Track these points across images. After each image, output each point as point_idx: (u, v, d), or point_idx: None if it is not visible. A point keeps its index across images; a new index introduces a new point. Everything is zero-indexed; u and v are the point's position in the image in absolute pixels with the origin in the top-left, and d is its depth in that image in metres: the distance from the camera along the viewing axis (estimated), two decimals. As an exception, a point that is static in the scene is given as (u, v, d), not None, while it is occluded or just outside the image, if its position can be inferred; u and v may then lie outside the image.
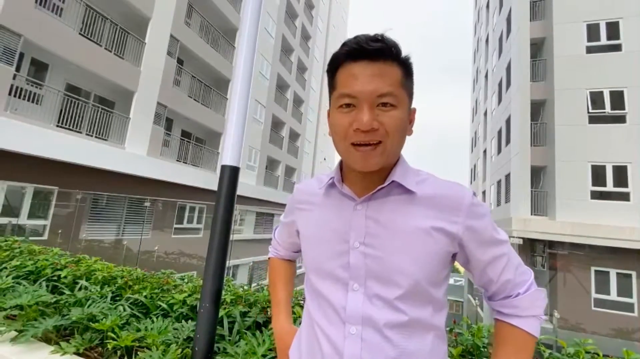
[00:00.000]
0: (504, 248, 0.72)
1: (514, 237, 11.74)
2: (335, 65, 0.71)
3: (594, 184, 11.36)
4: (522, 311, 0.71)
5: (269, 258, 1.06)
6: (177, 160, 13.22)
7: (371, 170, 0.69)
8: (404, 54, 0.68)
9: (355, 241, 0.71)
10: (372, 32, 0.69)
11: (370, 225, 0.71)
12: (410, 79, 0.71)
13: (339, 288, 0.71)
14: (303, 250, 0.83)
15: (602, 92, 11.77)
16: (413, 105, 0.74)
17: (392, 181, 0.71)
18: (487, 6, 22.88)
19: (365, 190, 0.73)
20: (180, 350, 1.37)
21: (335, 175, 0.78)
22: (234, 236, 14.87)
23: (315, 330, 0.74)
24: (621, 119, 11.47)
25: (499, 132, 17.06)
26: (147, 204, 11.45)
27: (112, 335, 1.45)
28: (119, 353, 1.45)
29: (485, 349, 1.38)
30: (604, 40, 12.15)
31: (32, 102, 8.39)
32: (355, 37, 0.68)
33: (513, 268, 0.72)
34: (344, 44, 0.68)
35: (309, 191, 0.85)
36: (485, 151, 21.31)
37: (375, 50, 0.65)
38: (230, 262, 14.27)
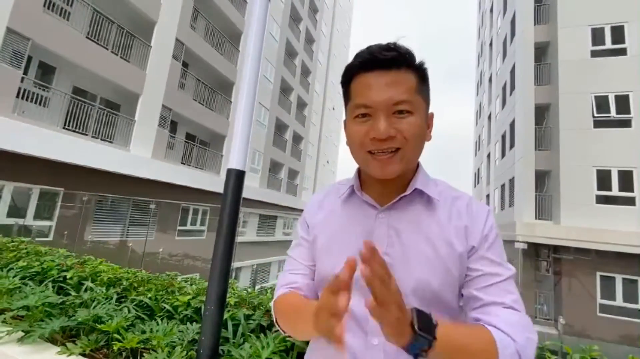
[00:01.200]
0: (504, 274, 0.67)
1: (518, 242, 11.65)
2: (349, 77, 0.71)
3: (599, 189, 11.27)
4: (501, 323, 0.60)
5: (274, 302, 0.80)
6: (182, 163, 13.29)
7: (391, 177, 0.68)
8: (418, 59, 0.69)
9: None
10: (384, 41, 0.70)
11: (392, 235, 0.70)
12: (426, 85, 0.71)
13: (359, 297, 0.68)
14: (320, 260, 0.78)
15: (607, 96, 11.70)
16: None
17: (415, 189, 0.71)
18: (491, 10, 22.89)
19: (385, 197, 0.73)
20: (185, 352, 1.38)
21: (355, 183, 0.77)
22: (237, 239, 14.88)
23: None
24: (627, 123, 11.39)
25: (503, 136, 16.99)
26: (152, 206, 11.51)
27: (118, 337, 1.46)
28: (124, 354, 1.46)
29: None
30: (608, 44, 12.11)
31: (39, 104, 8.49)
32: (368, 48, 0.68)
33: (507, 294, 0.65)
34: (357, 55, 0.69)
35: (323, 202, 0.84)
36: (489, 155, 21.23)
37: (389, 59, 0.65)
38: (233, 265, 14.28)
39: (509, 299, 0.64)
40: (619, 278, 10.71)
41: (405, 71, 0.66)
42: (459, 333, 0.58)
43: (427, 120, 0.72)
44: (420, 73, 0.69)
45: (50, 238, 8.72)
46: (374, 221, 0.72)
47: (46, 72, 9.08)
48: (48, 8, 8.25)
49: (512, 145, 15.05)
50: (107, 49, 9.75)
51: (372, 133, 0.65)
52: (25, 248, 2.82)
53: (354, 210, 0.77)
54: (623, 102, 11.50)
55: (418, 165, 0.75)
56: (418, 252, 0.67)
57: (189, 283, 2.27)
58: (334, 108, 34.43)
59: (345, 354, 0.68)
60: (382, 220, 0.72)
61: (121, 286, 2.05)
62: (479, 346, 0.57)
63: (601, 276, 10.94)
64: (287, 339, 1.41)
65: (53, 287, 2.08)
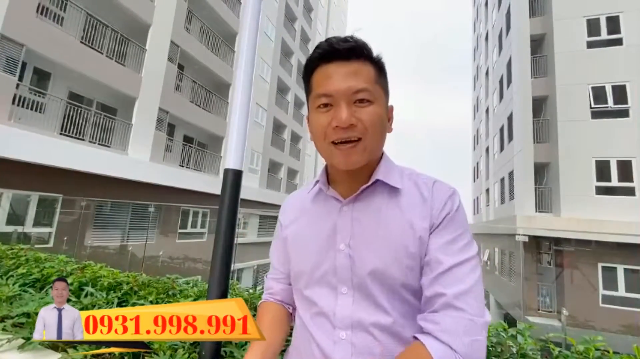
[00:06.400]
0: (450, 261, 0.63)
1: (519, 235, 11.66)
2: (310, 69, 0.72)
3: (598, 180, 11.27)
4: (439, 332, 0.58)
5: (258, 306, 0.89)
6: (180, 165, 13.27)
7: (354, 167, 0.69)
8: (376, 53, 0.70)
9: (340, 243, 0.70)
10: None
11: (356, 226, 0.70)
12: (384, 77, 0.72)
13: (328, 292, 0.70)
14: (291, 259, 0.80)
15: (604, 87, 11.70)
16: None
17: (377, 179, 0.71)
18: (486, 3, 22.86)
19: (351, 190, 0.73)
20: (187, 355, 1.37)
21: (321, 178, 0.78)
22: (237, 240, 14.88)
23: (308, 340, 0.72)
24: (624, 113, 11.39)
25: (501, 130, 17.00)
26: (151, 209, 11.49)
27: (119, 341, 1.45)
28: (126, 358, 1.46)
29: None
30: (604, 35, 12.10)
31: (36, 110, 8.46)
32: (327, 40, 0.70)
33: (452, 285, 0.61)
34: (317, 47, 0.70)
35: (296, 200, 0.86)
36: (487, 149, 21.23)
37: (347, 49, 0.67)
38: (234, 266, 14.31)
39: (453, 291, 0.60)
40: (620, 269, 10.72)
41: (364, 62, 0.68)
42: None
43: (388, 112, 0.73)
44: (378, 66, 0.71)
45: (50, 245, 8.71)
46: (337, 215, 0.73)
47: (41, 77, 9.05)
48: (41, 14, 8.21)
49: (510, 139, 15.06)
50: (102, 53, 9.71)
51: (334, 122, 0.66)
52: (25, 255, 2.80)
53: (320, 205, 0.78)
54: (620, 92, 11.50)
55: (382, 155, 0.76)
56: (377, 241, 0.67)
57: (190, 285, 2.26)
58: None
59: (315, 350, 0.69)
60: (345, 212, 0.73)
61: (122, 291, 2.04)
62: None
63: (603, 266, 10.95)
64: (289, 339, 1.40)
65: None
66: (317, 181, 0.79)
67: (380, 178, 0.71)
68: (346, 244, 0.70)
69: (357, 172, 0.71)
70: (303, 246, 0.76)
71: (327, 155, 0.71)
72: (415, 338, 0.61)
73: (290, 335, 0.85)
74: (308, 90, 0.74)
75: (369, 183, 0.71)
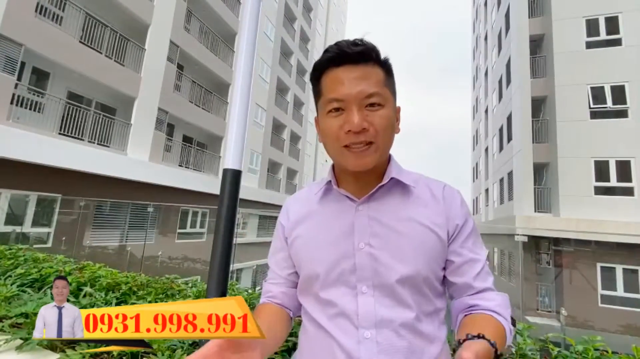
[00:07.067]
0: (483, 258, 0.74)
1: (518, 235, 11.68)
2: (319, 72, 0.72)
3: (597, 180, 11.29)
4: (497, 307, 0.70)
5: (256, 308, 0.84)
6: (179, 165, 13.25)
7: (366, 169, 0.69)
8: (383, 55, 0.71)
9: (360, 242, 0.70)
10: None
11: (373, 225, 0.71)
12: (391, 79, 0.73)
13: (347, 293, 0.69)
14: (301, 261, 0.76)
15: (603, 87, 11.71)
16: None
17: (391, 178, 0.73)
18: (485, 4, 22.88)
19: (360, 190, 0.74)
20: (185, 355, 1.37)
21: (331, 178, 0.78)
22: (237, 240, 14.87)
23: (327, 342, 0.70)
24: (623, 114, 11.41)
25: (500, 130, 17.01)
26: (150, 209, 11.48)
27: (118, 341, 1.45)
28: (124, 358, 1.45)
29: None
30: (603, 35, 12.11)
31: (34, 110, 8.44)
32: (336, 43, 0.70)
33: (488, 277, 0.74)
34: (326, 51, 0.71)
35: (299, 202, 0.83)
36: (487, 149, 21.25)
37: (357, 53, 0.68)
38: (234, 266, 14.29)
39: (490, 281, 0.73)
40: (619, 269, 10.74)
41: (373, 65, 0.69)
42: (494, 332, 0.64)
43: (396, 113, 0.74)
44: (386, 68, 0.72)
45: (49, 245, 8.69)
46: (353, 214, 0.73)
47: (40, 77, 9.03)
48: (40, 13, 8.19)
49: (509, 139, 15.06)
50: (101, 53, 9.70)
51: (346, 126, 0.67)
52: (24, 255, 2.80)
53: (331, 205, 0.77)
54: (619, 93, 11.51)
55: (390, 157, 0.77)
56: (402, 240, 0.69)
57: (189, 285, 2.26)
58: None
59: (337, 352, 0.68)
60: (361, 211, 0.73)
61: (120, 291, 2.04)
62: (501, 334, 0.65)
63: (602, 267, 10.96)
64: (288, 339, 1.40)
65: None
66: (327, 182, 0.78)
67: (395, 176, 0.73)
68: (366, 243, 0.70)
69: (366, 173, 0.72)
70: (315, 247, 0.74)
71: (339, 158, 0.71)
72: (468, 313, 0.71)
73: (289, 340, 0.82)
74: (317, 93, 0.74)
75: (386, 181, 0.73)
